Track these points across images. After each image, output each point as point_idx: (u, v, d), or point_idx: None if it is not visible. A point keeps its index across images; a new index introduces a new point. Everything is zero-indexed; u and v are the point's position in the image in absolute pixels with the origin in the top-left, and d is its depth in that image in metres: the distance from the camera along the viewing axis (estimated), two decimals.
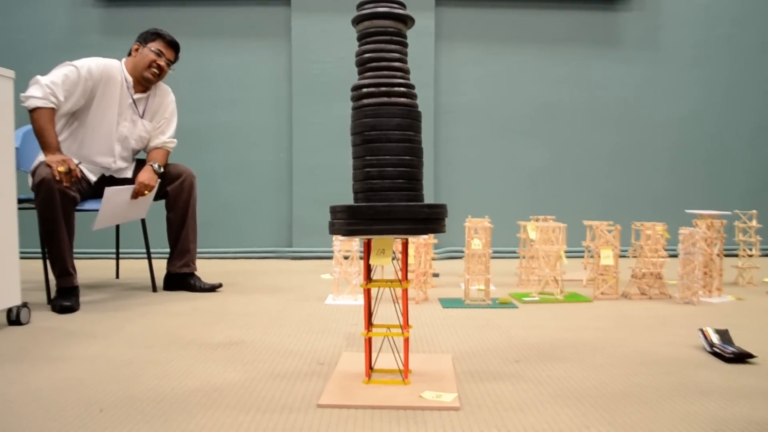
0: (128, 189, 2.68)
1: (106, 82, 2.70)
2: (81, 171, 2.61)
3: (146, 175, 2.72)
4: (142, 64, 2.76)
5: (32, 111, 2.50)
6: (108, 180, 2.82)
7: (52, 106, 2.52)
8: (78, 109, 2.67)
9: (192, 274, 2.94)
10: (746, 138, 4.85)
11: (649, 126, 4.78)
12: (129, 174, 2.87)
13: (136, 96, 2.80)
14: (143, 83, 2.81)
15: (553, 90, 4.72)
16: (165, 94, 2.93)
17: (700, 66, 4.80)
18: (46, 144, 2.49)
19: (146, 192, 2.71)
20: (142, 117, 2.84)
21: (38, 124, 2.50)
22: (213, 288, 2.92)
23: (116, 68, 2.76)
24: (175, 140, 2.97)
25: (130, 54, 2.81)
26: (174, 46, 2.83)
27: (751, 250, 3.17)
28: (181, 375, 1.55)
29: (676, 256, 2.68)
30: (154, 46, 2.77)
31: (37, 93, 2.50)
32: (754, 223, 3.13)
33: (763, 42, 4.82)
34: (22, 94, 2.49)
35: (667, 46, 4.78)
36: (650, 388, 1.43)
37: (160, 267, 2.98)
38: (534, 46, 4.70)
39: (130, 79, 2.77)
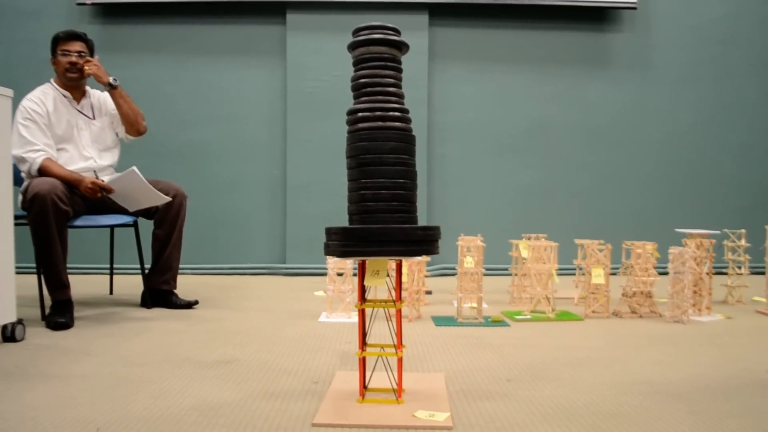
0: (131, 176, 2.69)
1: (50, 109, 2.79)
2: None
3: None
4: (61, 72, 2.84)
5: (39, 171, 2.67)
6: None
7: (48, 154, 2.70)
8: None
9: (171, 292, 2.96)
10: (735, 156, 4.92)
11: (640, 144, 4.85)
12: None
13: (79, 106, 2.91)
14: (74, 86, 2.89)
15: (545, 109, 4.78)
16: (105, 96, 3.02)
17: (689, 85, 4.88)
18: (71, 180, 2.67)
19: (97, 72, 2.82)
20: (93, 119, 2.94)
21: (51, 173, 2.64)
22: (189, 305, 2.94)
23: (49, 91, 2.84)
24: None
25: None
26: (73, 36, 2.86)
27: (740, 268, 3.21)
28: (176, 393, 1.56)
29: (666, 274, 2.72)
30: (59, 49, 2.83)
31: (31, 155, 2.67)
32: (742, 242, 3.17)
33: (750, 61, 4.91)
34: (23, 172, 2.72)
35: (656, 66, 4.86)
36: (640, 408, 1.45)
37: None
38: (526, 66, 4.77)
39: (67, 93, 2.87)
